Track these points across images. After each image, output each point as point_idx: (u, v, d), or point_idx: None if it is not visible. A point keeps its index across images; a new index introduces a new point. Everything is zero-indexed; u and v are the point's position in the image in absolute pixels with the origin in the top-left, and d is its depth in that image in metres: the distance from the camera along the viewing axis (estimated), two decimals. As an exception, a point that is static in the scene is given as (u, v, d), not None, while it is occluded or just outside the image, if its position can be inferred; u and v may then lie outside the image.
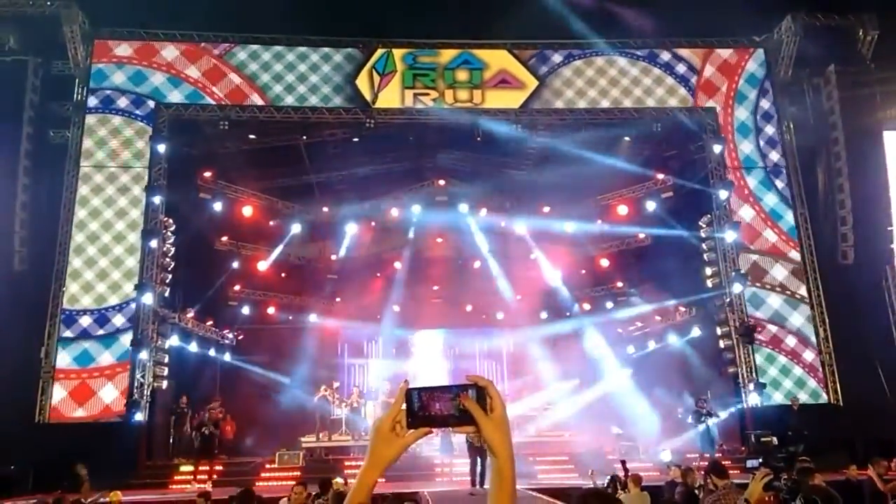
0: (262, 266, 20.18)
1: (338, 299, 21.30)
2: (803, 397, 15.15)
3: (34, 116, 15.85)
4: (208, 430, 14.29)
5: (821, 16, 16.95)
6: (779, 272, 16.20)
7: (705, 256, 16.93)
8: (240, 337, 20.35)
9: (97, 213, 15.36)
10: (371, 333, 21.83)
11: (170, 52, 16.53)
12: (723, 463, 6.13)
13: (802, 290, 16.10)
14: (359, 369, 21.58)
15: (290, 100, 16.50)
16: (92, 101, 16.01)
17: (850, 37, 17.08)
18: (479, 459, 13.38)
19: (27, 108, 15.72)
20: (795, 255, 16.31)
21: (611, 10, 16.25)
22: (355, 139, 17.40)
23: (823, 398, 15.37)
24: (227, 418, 16.78)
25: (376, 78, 16.74)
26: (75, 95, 16.17)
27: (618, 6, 16.44)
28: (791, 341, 15.81)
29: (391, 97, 16.67)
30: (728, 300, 16.00)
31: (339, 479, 9.69)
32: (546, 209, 20.30)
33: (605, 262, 21.04)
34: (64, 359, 14.43)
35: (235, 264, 19.55)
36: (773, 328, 15.86)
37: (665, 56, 17.51)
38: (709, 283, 16.83)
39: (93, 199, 15.43)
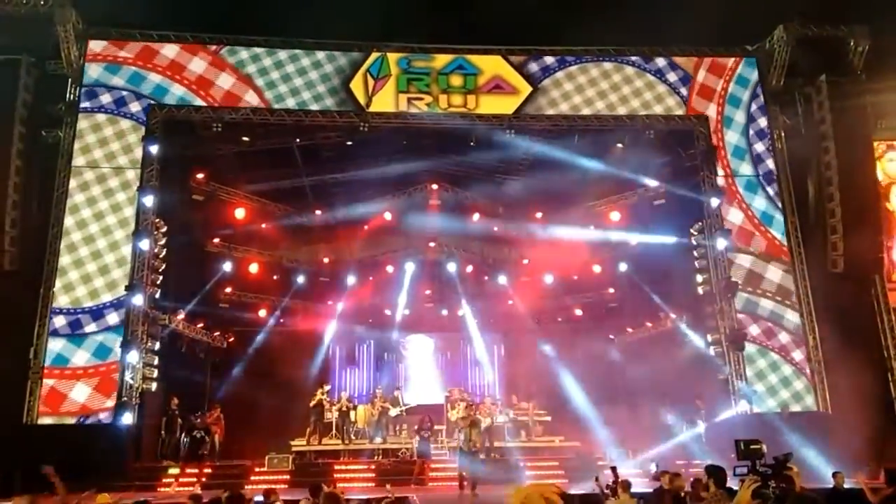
0: (254, 269, 20.14)
1: (329, 302, 21.27)
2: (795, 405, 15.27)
3: (26, 116, 15.72)
4: (199, 433, 14.24)
5: (813, 26, 17.08)
6: (774, 277, 16.30)
7: (696, 263, 17.00)
8: (230, 339, 20.29)
9: (89, 213, 15.29)
10: (362, 337, 21.83)
11: (164, 51, 16.46)
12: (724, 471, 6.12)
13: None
14: (350, 373, 21.56)
15: (284, 102, 16.48)
16: (85, 102, 15.94)
17: (841, 47, 17.22)
18: (467, 464, 13.40)
19: (19, 108, 15.59)
20: (786, 261, 16.44)
21: (604, 17, 16.33)
22: (349, 142, 17.40)
23: (813, 405, 15.46)
24: (218, 422, 16.72)
25: (371, 81, 16.75)
26: (68, 95, 16.10)
27: (611, 13, 16.52)
28: (791, 349, 15.91)
29: (385, 101, 16.69)
30: (718, 307, 16.08)
31: (325, 488, 9.61)
32: (539, 215, 20.34)
33: (597, 268, 21.08)
34: (52, 358, 14.33)
35: (227, 266, 19.48)
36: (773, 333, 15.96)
37: (658, 63, 17.59)
38: (699, 290, 16.89)
39: (84, 199, 15.36)
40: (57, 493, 6.67)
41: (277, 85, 16.57)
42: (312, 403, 17.23)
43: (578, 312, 21.22)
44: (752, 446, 4.84)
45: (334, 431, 17.41)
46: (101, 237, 15.18)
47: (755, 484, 4.49)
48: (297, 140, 17.34)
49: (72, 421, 14.00)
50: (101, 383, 14.29)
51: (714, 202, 16.46)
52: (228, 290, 20.03)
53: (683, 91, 17.40)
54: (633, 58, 17.59)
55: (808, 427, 14.02)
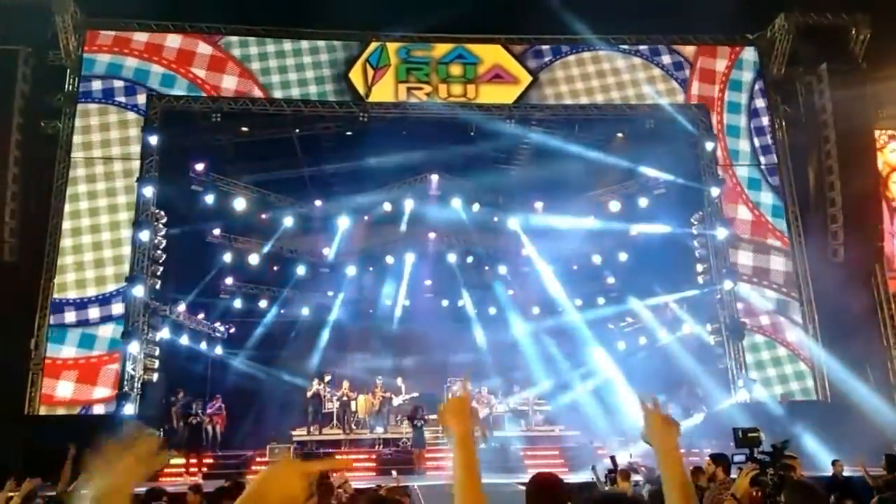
0: (254, 259, 20.13)
1: (329, 293, 21.27)
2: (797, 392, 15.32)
3: (25, 107, 15.68)
4: (201, 424, 14.30)
5: (814, 14, 17.00)
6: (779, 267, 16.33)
7: (696, 253, 17.01)
8: (231, 330, 20.32)
9: (88, 204, 15.26)
10: (362, 327, 21.84)
11: (163, 41, 16.39)
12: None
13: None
14: (350, 362, 21.57)
15: (283, 92, 16.42)
16: (84, 92, 15.89)
17: (842, 36, 17.16)
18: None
19: (18, 99, 15.55)
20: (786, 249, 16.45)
21: (604, 6, 16.24)
22: (348, 133, 17.36)
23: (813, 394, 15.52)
24: (219, 412, 16.76)
25: (370, 71, 16.69)
26: (67, 86, 16.03)
27: (612, 2, 16.43)
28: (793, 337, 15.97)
29: (385, 91, 16.63)
30: (719, 296, 16.09)
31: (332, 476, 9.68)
32: (538, 205, 20.30)
33: (596, 258, 21.06)
34: (52, 348, 14.37)
35: (227, 257, 19.48)
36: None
37: (659, 52, 17.53)
38: (699, 280, 16.90)
39: (84, 189, 15.34)
40: (61, 480, 6.75)
41: (276, 74, 16.50)
42: (309, 394, 17.28)
43: (578, 302, 21.22)
44: (749, 434, 4.85)
45: (335, 421, 17.48)
46: (101, 228, 15.16)
47: (753, 471, 4.51)
48: (297, 130, 17.30)
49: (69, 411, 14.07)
50: (104, 373, 14.34)
51: (714, 191, 16.44)
52: (229, 280, 20.04)
53: (684, 81, 17.34)
54: (634, 48, 17.52)
55: (808, 415, 14.06)
